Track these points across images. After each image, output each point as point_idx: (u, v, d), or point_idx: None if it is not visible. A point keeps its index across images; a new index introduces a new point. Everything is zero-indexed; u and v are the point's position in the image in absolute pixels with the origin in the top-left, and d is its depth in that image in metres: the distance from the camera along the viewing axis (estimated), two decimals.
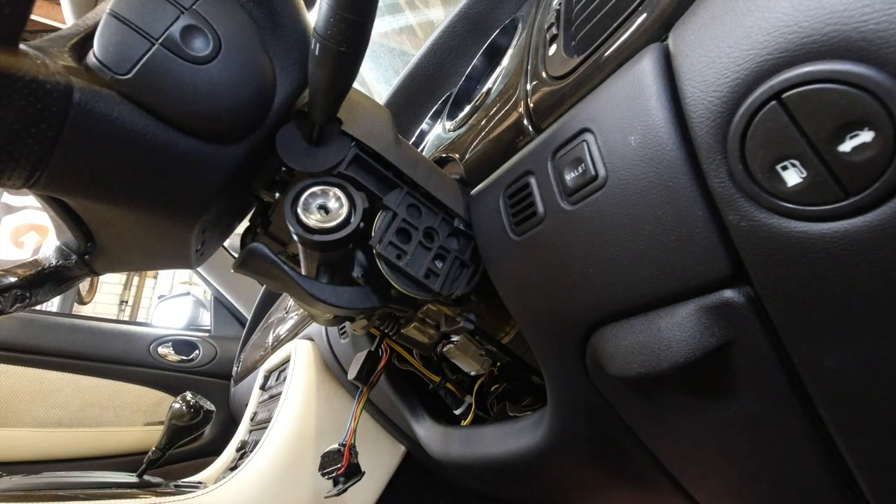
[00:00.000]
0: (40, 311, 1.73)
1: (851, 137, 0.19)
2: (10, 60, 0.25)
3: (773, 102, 0.21)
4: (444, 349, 0.54)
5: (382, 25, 1.36)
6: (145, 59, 0.30)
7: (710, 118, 0.23)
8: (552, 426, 0.41)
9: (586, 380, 0.36)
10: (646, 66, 0.26)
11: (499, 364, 0.56)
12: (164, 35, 0.30)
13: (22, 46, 0.26)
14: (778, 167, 0.21)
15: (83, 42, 0.31)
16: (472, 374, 0.57)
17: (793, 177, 0.21)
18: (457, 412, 0.63)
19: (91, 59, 0.30)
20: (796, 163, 0.21)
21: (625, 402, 0.35)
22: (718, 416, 0.30)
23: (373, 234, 0.40)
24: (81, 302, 2.33)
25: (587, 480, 0.46)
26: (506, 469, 0.51)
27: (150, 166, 0.31)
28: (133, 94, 0.30)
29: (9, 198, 2.79)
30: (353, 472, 0.56)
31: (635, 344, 0.30)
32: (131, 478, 1.00)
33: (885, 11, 0.17)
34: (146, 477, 1.00)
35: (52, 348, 1.61)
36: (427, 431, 0.62)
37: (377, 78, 1.38)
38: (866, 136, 0.19)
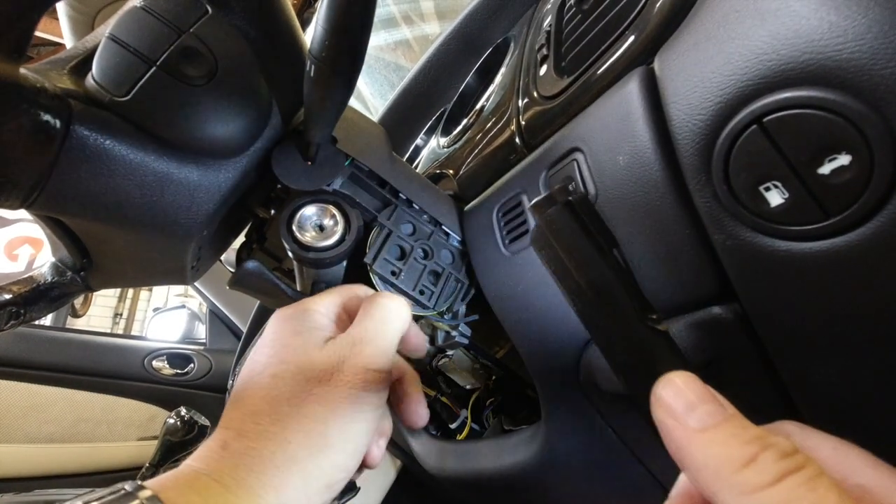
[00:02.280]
0: (33, 325, 1.71)
1: (830, 160, 0.20)
2: (10, 84, 0.26)
3: (755, 126, 0.21)
4: (440, 363, 0.54)
5: (378, 41, 1.38)
6: (143, 81, 0.30)
7: (695, 140, 0.24)
8: (546, 440, 0.42)
9: (580, 395, 0.36)
10: (633, 88, 0.27)
11: (494, 377, 0.56)
12: (162, 58, 0.31)
13: (21, 70, 0.27)
14: (761, 188, 0.22)
15: (82, 64, 0.32)
16: (468, 387, 0.57)
17: (775, 197, 0.22)
18: (452, 426, 0.63)
19: (90, 81, 0.31)
20: (778, 184, 0.21)
21: (618, 417, 0.36)
22: None
23: (367, 250, 0.40)
24: (75, 315, 2.31)
25: (582, 495, 0.46)
26: (502, 484, 0.50)
27: (147, 186, 0.31)
28: (130, 116, 0.31)
29: (2, 210, 2.77)
30: (348, 488, 0.56)
31: None
32: None
33: (857, 42, 0.18)
34: None
35: (45, 363, 1.59)
36: (423, 446, 0.61)
37: (373, 93, 1.39)
38: (844, 159, 0.20)
